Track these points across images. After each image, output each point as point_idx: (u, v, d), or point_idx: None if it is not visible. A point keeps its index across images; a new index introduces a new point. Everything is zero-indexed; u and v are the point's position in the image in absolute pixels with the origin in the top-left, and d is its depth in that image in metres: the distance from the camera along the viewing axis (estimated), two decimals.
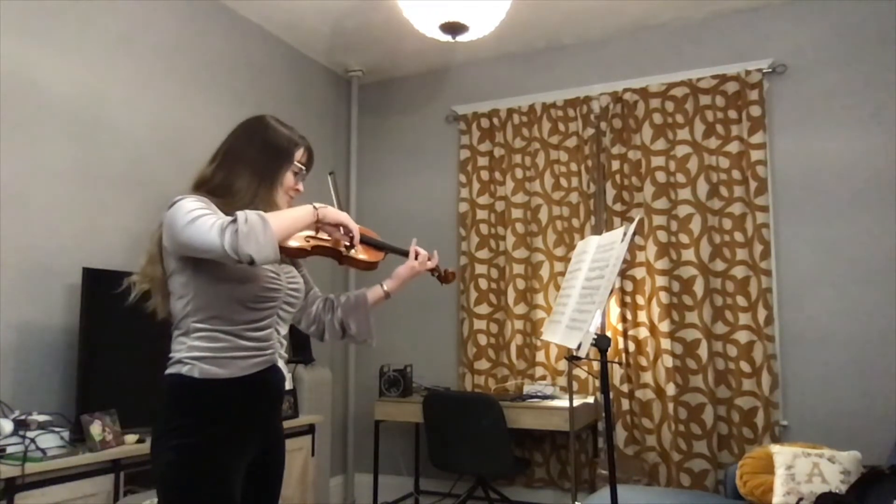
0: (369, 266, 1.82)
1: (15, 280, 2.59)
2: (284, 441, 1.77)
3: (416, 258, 1.95)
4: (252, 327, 1.59)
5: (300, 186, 1.73)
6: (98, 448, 2.34)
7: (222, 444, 1.54)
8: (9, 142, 2.60)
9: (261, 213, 1.45)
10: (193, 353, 1.53)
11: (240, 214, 1.42)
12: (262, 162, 1.65)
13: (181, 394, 1.54)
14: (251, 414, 1.61)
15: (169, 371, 1.57)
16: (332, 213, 1.61)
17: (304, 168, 1.72)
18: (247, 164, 1.63)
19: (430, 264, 1.98)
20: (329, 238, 1.71)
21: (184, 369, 1.53)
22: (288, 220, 1.53)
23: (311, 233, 1.68)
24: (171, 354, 1.58)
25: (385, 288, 1.91)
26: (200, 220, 1.44)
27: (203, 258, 1.48)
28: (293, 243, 1.62)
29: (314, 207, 1.57)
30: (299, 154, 1.70)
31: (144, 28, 3.23)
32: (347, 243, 1.67)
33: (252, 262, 1.41)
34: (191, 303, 1.55)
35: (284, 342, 1.70)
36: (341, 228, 1.64)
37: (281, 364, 1.67)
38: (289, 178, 1.69)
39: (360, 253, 1.76)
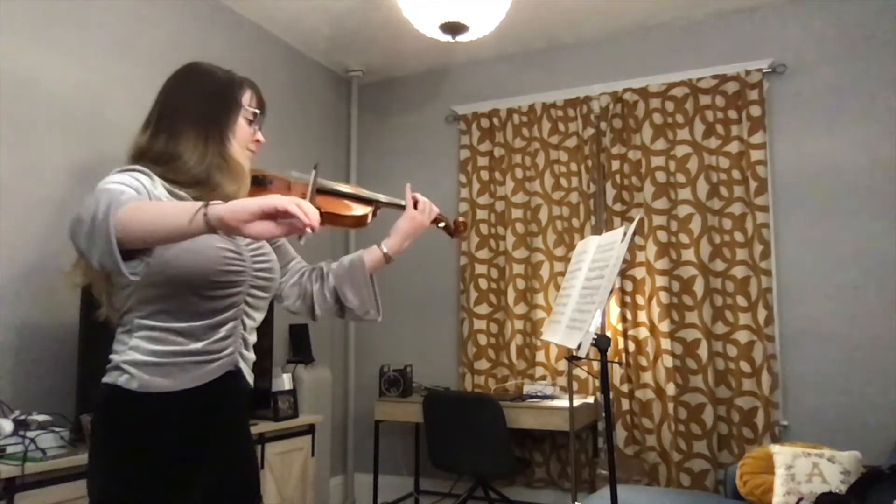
0: (357, 222, 1.56)
1: (15, 280, 2.59)
2: (255, 460, 1.51)
3: (415, 207, 1.64)
4: (210, 323, 1.31)
5: (260, 136, 1.47)
6: None
7: (168, 475, 1.27)
8: (9, 141, 2.60)
9: (127, 196, 1.13)
10: (135, 355, 1.27)
11: (101, 188, 1.15)
12: (205, 113, 1.38)
13: (116, 411, 1.28)
14: (204, 434, 1.32)
15: (105, 380, 1.30)
16: (247, 203, 1.05)
17: (257, 112, 1.46)
18: (187, 121, 1.36)
19: (434, 213, 1.68)
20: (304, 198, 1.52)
21: (121, 379, 1.26)
22: (151, 214, 1.07)
23: (284, 191, 1.47)
24: (110, 357, 1.32)
25: (384, 249, 1.58)
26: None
27: None
28: None
29: (206, 204, 1.06)
30: (247, 97, 1.44)
31: (144, 28, 3.23)
32: (303, 230, 1.10)
33: (84, 256, 1.10)
34: (134, 294, 1.29)
35: (251, 338, 1.42)
36: (290, 218, 1.06)
37: (244, 367, 1.40)
38: (242, 127, 1.42)
39: (349, 207, 1.54)
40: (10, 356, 2.54)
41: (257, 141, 1.47)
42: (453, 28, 3.15)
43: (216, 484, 1.35)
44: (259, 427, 2.97)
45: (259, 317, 1.44)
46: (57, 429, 2.32)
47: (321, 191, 1.56)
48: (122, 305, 1.32)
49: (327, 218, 1.52)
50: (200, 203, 1.06)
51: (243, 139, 1.43)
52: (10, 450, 2.16)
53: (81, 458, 2.24)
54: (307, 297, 1.59)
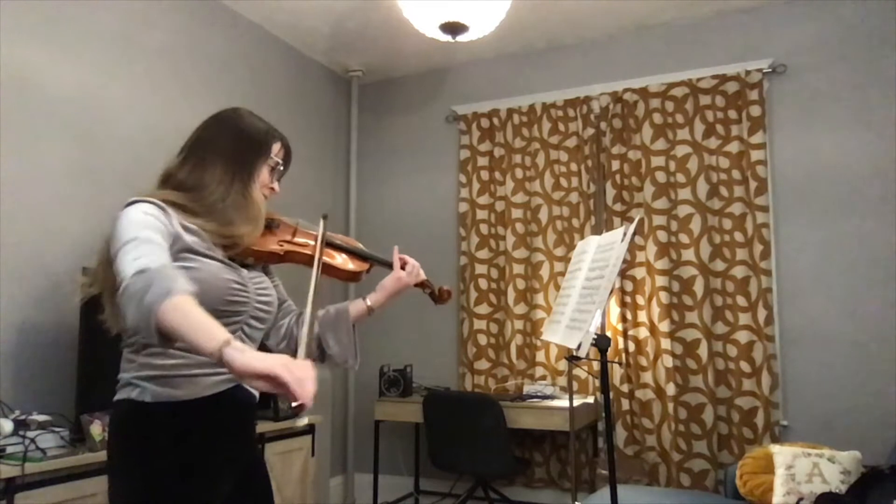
0: (352, 276, 1.64)
1: (15, 280, 2.58)
2: (264, 464, 1.58)
3: (402, 268, 1.72)
4: None
5: (276, 186, 1.56)
6: (98, 448, 2.33)
7: (189, 481, 1.33)
8: (9, 142, 2.60)
9: (178, 286, 1.16)
10: (144, 371, 1.34)
11: (157, 268, 1.19)
12: (236, 152, 1.48)
13: (133, 424, 1.34)
14: (220, 440, 1.39)
15: (117, 397, 1.38)
16: (254, 361, 1.10)
17: (280, 164, 1.56)
18: (218, 155, 1.47)
19: (419, 277, 1.77)
20: (307, 244, 1.55)
21: (133, 393, 1.34)
22: (188, 320, 1.13)
23: (288, 236, 1.55)
24: (120, 375, 1.39)
25: (368, 302, 1.66)
26: (130, 249, 1.22)
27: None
28: (262, 247, 1.48)
29: (228, 342, 1.11)
30: (276, 148, 1.54)
31: (144, 28, 3.23)
32: (292, 405, 1.11)
33: (125, 319, 1.16)
34: None
35: None
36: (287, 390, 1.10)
37: (246, 384, 1.39)
38: (265, 173, 1.52)
39: (346, 262, 1.63)
40: (10, 356, 2.54)
41: (272, 189, 1.55)
42: (453, 28, 3.16)
43: (239, 483, 1.44)
44: (259, 427, 2.96)
45: (254, 346, 1.47)
46: (57, 429, 2.33)
47: (327, 244, 1.61)
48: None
49: (328, 270, 1.60)
50: (226, 336, 1.12)
51: (262, 184, 1.52)
52: (10, 450, 2.16)
53: (81, 459, 2.25)
54: (291, 341, 1.63)
